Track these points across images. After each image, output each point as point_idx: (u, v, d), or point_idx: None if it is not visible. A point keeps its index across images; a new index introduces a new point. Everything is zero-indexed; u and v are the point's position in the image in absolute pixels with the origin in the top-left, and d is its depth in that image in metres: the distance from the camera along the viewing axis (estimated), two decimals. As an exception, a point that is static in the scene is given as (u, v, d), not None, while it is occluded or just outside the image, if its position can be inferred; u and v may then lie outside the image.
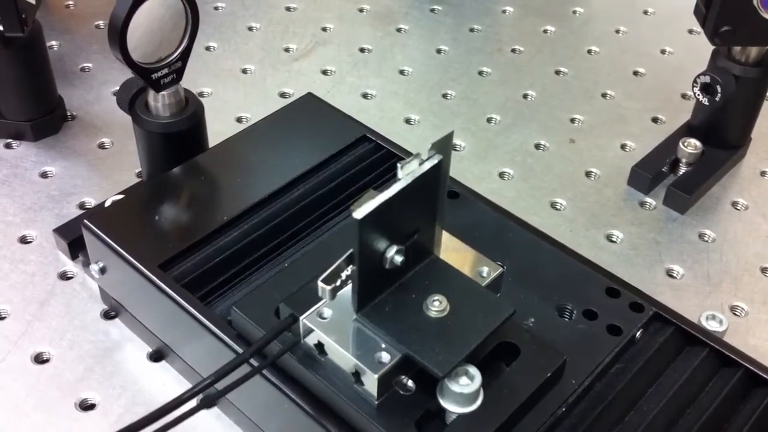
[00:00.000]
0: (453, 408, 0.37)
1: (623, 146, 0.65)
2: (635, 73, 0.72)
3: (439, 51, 0.74)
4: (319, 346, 0.38)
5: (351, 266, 0.36)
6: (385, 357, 0.37)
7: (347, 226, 0.45)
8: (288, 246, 0.48)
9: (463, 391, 0.36)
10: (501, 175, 0.62)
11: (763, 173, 0.64)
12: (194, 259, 0.46)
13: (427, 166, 0.36)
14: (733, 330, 0.51)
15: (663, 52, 0.75)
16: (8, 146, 0.62)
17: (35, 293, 0.52)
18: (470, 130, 0.66)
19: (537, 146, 0.65)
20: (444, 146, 0.37)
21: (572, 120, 0.67)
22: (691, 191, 0.60)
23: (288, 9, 0.78)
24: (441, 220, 0.40)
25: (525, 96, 0.70)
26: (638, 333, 0.43)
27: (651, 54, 0.74)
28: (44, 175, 0.60)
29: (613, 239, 0.58)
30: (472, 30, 0.76)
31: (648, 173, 0.61)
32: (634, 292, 0.45)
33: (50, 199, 0.58)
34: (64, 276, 0.53)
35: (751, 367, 0.42)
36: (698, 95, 0.60)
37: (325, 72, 0.71)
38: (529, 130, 0.66)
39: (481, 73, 0.72)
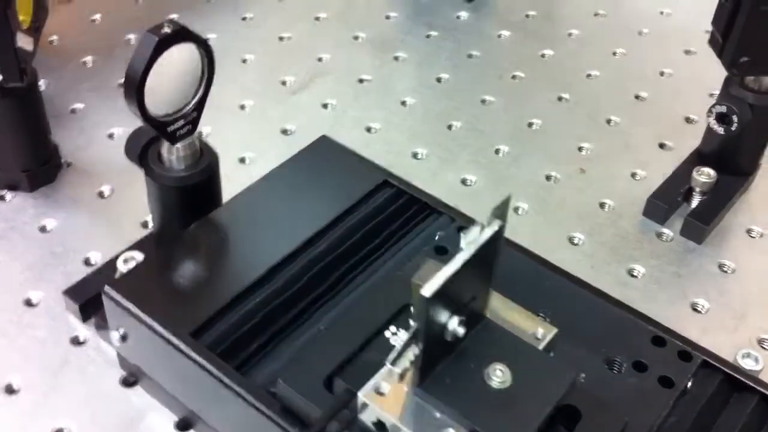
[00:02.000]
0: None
1: (633, 174, 0.65)
2: (637, 96, 0.72)
3: (439, 80, 0.72)
4: (379, 424, 0.36)
5: (415, 343, 0.34)
6: (450, 434, 0.35)
7: (393, 290, 0.43)
8: (321, 304, 0.46)
9: (533, 464, 0.35)
10: (516, 209, 0.61)
11: (773, 197, 0.64)
12: (225, 325, 0.44)
13: (489, 233, 0.35)
14: (764, 365, 0.51)
15: (662, 74, 0.74)
16: (2, 198, 0.59)
17: (48, 361, 0.49)
18: (479, 163, 0.65)
19: (548, 177, 0.64)
20: (502, 211, 0.36)
21: (579, 148, 0.67)
22: (709, 221, 0.59)
23: (281, 39, 0.76)
24: (493, 282, 0.39)
25: (530, 125, 0.69)
26: (689, 383, 0.43)
27: (650, 76, 0.74)
28: (43, 229, 0.57)
29: (634, 274, 0.57)
30: (470, 56, 0.75)
31: (664, 204, 0.60)
32: (679, 339, 0.45)
33: (53, 256, 0.55)
34: (76, 341, 0.51)
35: (805, 415, 0.42)
36: (714, 125, 0.59)
37: (325, 106, 0.69)
38: (538, 161, 0.65)
39: (483, 101, 0.70)
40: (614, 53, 0.76)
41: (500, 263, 0.47)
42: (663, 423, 0.41)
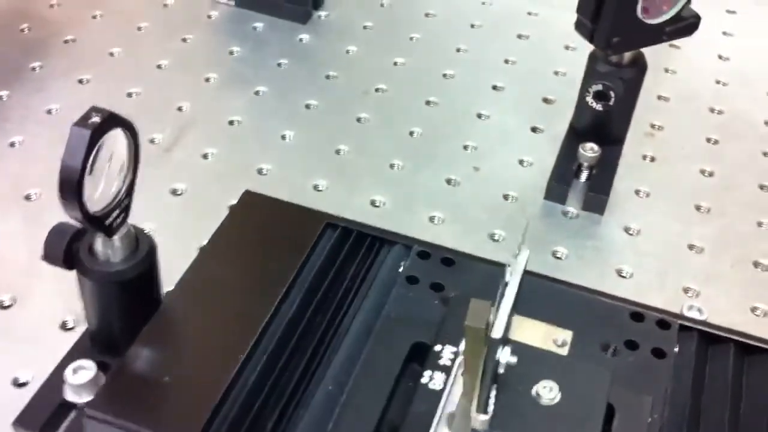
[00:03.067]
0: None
1: (521, 162, 0.68)
2: (494, 87, 0.75)
3: (308, 106, 0.72)
4: (452, 474, 0.36)
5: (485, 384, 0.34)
6: (532, 463, 0.36)
7: (389, 333, 0.43)
8: (316, 365, 0.44)
9: (604, 469, 0.36)
10: (431, 219, 0.62)
11: (644, 157, 0.69)
12: (230, 416, 0.41)
13: (523, 260, 0.36)
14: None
15: (506, 61, 0.78)
16: None
17: (21, 506, 0.44)
18: (381, 182, 0.65)
19: (448, 182, 0.65)
20: (524, 236, 0.36)
21: (465, 147, 0.69)
22: (607, 192, 0.63)
23: (129, 95, 0.71)
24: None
25: (411, 133, 0.70)
26: (676, 349, 0.46)
27: (498, 66, 0.77)
28: (-51, 359, 0.51)
29: (559, 256, 0.60)
30: (328, 77, 0.75)
31: (564, 184, 0.64)
32: (653, 310, 0.48)
33: (-26, 387, 0.49)
34: (43, 474, 0.45)
35: (777, 350, 0.46)
36: (592, 103, 0.63)
37: (205, 156, 0.66)
38: (433, 168, 0.67)
39: (359, 119, 0.71)
40: (458, 50, 0.79)
41: (474, 279, 0.48)
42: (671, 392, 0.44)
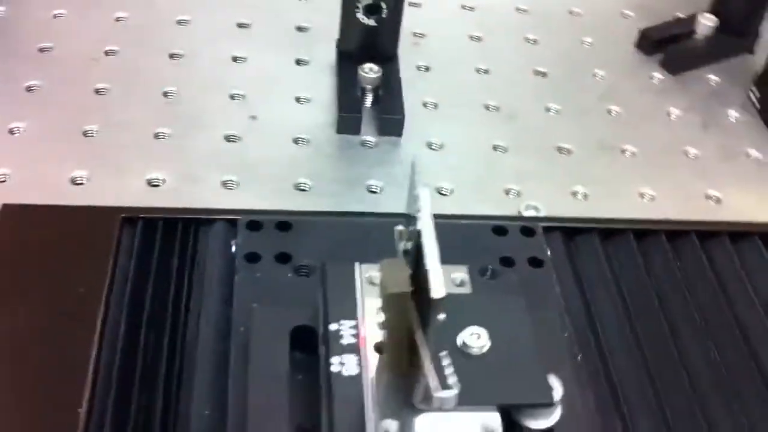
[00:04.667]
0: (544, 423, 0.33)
1: (298, 100, 0.61)
2: (240, 25, 0.67)
3: (29, 89, 0.59)
4: (405, 466, 0.30)
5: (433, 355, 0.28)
6: (493, 423, 0.30)
7: (257, 326, 0.35)
8: (176, 392, 0.35)
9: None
10: (224, 185, 0.53)
11: (418, 68, 0.65)
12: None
13: (427, 200, 0.29)
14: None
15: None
16: None
17: None
18: (152, 157, 0.55)
19: (227, 139, 0.57)
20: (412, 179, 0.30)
21: (232, 97, 0.60)
22: (401, 111, 0.59)
23: None
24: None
25: (165, 94, 0.60)
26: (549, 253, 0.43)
27: (237, 1, 0.69)
28: None
29: (374, 189, 0.55)
30: (42, 50, 0.62)
31: (355, 113, 0.58)
32: (510, 220, 0.44)
33: None
34: None
35: (638, 227, 0.45)
36: (363, 19, 0.58)
37: None
38: (206, 127, 0.57)
39: (98, 91, 0.59)
40: None
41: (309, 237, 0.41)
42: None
